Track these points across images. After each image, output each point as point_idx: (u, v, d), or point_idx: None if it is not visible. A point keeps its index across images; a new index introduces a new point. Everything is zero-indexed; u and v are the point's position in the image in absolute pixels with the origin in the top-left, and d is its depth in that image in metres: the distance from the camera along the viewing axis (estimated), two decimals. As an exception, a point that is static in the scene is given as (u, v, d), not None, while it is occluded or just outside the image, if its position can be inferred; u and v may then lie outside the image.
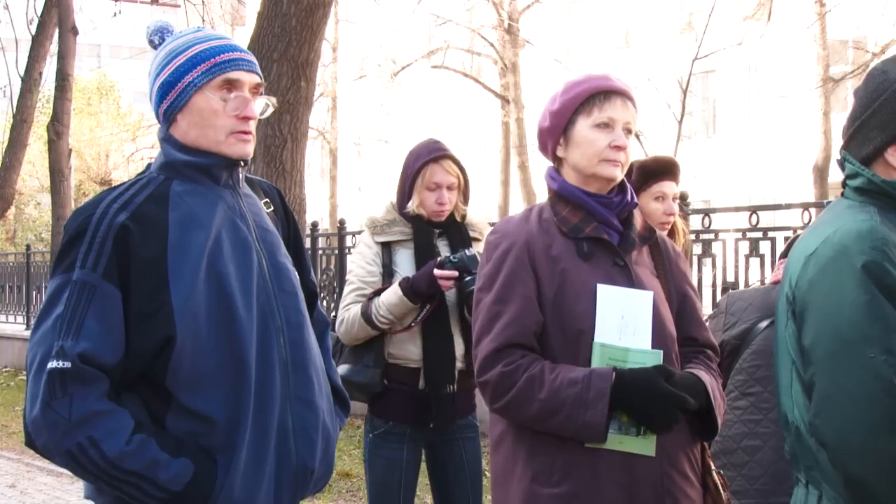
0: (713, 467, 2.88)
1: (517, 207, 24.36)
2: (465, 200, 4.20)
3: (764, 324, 3.40)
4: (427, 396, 3.99)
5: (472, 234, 4.20)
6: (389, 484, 4.06)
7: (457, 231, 4.16)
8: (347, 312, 4.06)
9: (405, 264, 4.09)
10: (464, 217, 4.20)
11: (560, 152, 2.85)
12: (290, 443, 2.48)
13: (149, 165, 2.58)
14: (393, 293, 3.94)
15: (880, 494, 2.08)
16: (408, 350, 4.01)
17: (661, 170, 3.81)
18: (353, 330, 4.03)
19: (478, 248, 4.14)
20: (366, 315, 3.98)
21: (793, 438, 2.30)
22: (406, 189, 4.12)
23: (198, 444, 2.37)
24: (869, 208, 2.23)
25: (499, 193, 26.40)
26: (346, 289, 4.13)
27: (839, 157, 2.36)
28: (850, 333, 2.10)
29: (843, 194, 2.35)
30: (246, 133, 2.50)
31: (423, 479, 4.31)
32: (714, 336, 3.45)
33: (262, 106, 2.54)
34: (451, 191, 4.09)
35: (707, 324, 3.75)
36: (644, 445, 2.67)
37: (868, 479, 2.07)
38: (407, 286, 3.94)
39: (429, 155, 4.06)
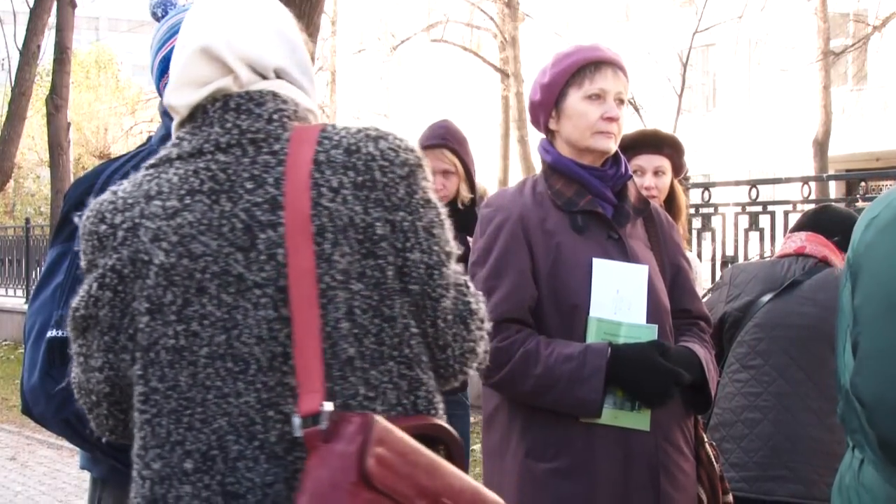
0: (706, 439, 2.89)
1: (517, 182, 24.28)
2: (470, 188, 4.22)
3: (767, 297, 3.38)
4: None
5: None
6: None
7: (456, 217, 4.16)
8: None
9: None
10: (464, 203, 4.21)
11: (552, 125, 2.84)
12: None
13: (149, 138, 2.59)
14: None
15: None
16: None
17: (634, 143, 3.74)
18: None
19: None
20: None
21: (843, 401, 2.24)
22: None
23: None
24: None
25: (498, 167, 26.34)
26: None
27: None
28: None
29: None
30: None
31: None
32: (717, 308, 3.45)
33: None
34: (448, 177, 4.13)
35: (708, 296, 3.76)
36: (639, 420, 2.68)
37: None
38: None
39: (425, 142, 4.14)
